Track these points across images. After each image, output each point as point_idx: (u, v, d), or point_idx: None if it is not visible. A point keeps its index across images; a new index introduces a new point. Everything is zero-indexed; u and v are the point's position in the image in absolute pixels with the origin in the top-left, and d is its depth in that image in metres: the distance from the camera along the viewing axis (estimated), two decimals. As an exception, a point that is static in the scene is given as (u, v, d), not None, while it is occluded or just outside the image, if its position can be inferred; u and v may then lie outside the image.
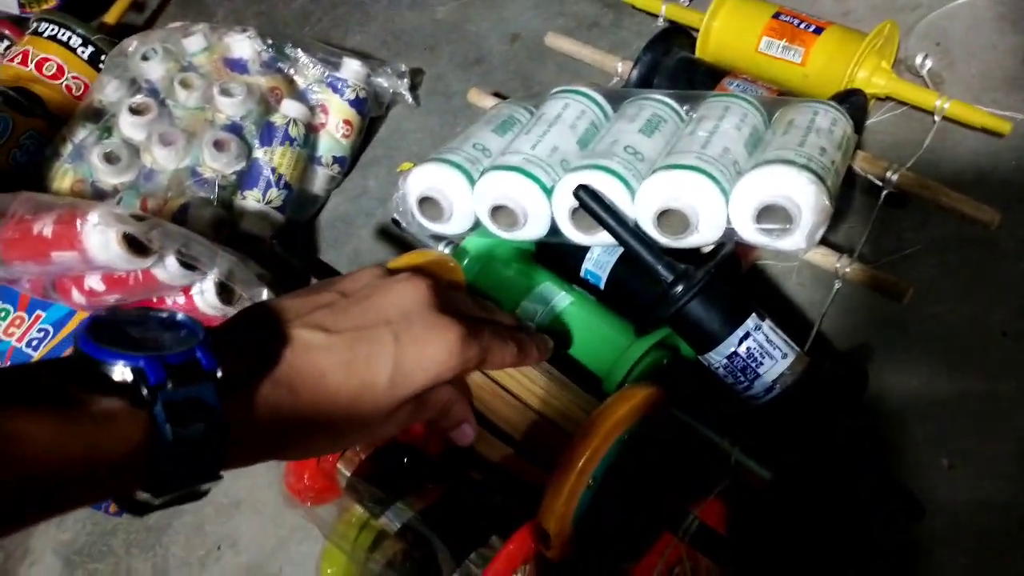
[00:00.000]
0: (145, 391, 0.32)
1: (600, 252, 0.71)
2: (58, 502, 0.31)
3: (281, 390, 0.37)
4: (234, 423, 0.34)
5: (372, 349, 0.40)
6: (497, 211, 0.66)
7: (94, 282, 0.80)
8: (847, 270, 0.68)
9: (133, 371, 0.32)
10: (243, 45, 0.95)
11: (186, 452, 0.33)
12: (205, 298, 0.79)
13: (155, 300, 0.82)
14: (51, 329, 0.89)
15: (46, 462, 0.29)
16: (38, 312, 0.90)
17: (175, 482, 0.34)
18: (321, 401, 0.38)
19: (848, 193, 0.76)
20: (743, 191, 0.59)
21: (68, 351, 0.34)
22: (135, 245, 0.72)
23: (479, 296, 0.59)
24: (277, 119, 0.91)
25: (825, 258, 0.70)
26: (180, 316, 0.36)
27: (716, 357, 0.60)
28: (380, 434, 0.43)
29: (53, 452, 0.29)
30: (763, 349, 0.59)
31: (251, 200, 0.90)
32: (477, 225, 0.70)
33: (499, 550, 0.49)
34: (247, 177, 0.90)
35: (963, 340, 0.67)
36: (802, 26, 0.79)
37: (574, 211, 0.63)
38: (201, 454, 0.33)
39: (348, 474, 0.59)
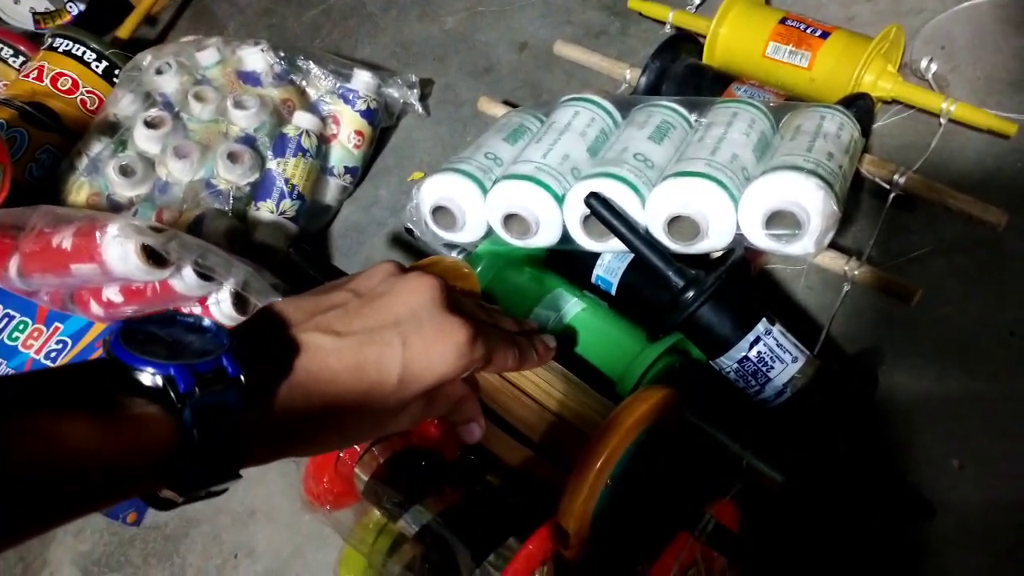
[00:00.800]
0: (175, 397, 0.33)
1: (611, 258, 0.72)
2: (92, 501, 0.32)
3: (296, 392, 0.38)
4: (254, 425, 0.36)
5: (381, 351, 0.41)
6: (510, 219, 0.67)
7: (112, 294, 0.81)
8: (856, 273, 0.69)
9: (164, 378, 0.33)
10: (256, 58, 0.96)
11: (211, 454, 0.34)
12: (221, 308, 0.80)
13: (174, 309, 0.83)
14: (69, 341, 0.90)
15: (85, 462, 0.31)
16: (56, 324, 0.92)
17: (200, 482, 0.35)
18: (332, 402, 0.40)
19: (856, 196, 0.76)
20: (752, 197, 0.59)
21: (97, 354, 0.35)
22: (153, 256, 0.73)
23: (488, 301, 0.60)
24: (290, 131, 0.92)
25: (834, 261, 0.70)
26: (206, 321, 0.38)
27: (727, 362, 0.60)
28: (392, 429, 0.44)
29: (91, 453, 0.31)
30: (773, 353, 0.59)
31: (265, 211, 0.91)
32: (490, 233, 0.71)
33: (517, 551, 0.50)
34: (261, 188, 0.92)
35: (972, 340, 0.67)
36: (808, 31, 0.80)
37: (585, 219, 0.64)
38: (224, 455, 0.35)
39: (366, 478, 0.60)
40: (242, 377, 0.35)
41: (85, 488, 0.31)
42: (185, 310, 0.82)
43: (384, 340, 0.41)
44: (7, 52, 1.20)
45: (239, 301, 0.80)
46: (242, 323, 0.41)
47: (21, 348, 0.91)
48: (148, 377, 0.33)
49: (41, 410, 0.30)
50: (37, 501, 0.30)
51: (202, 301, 0.81)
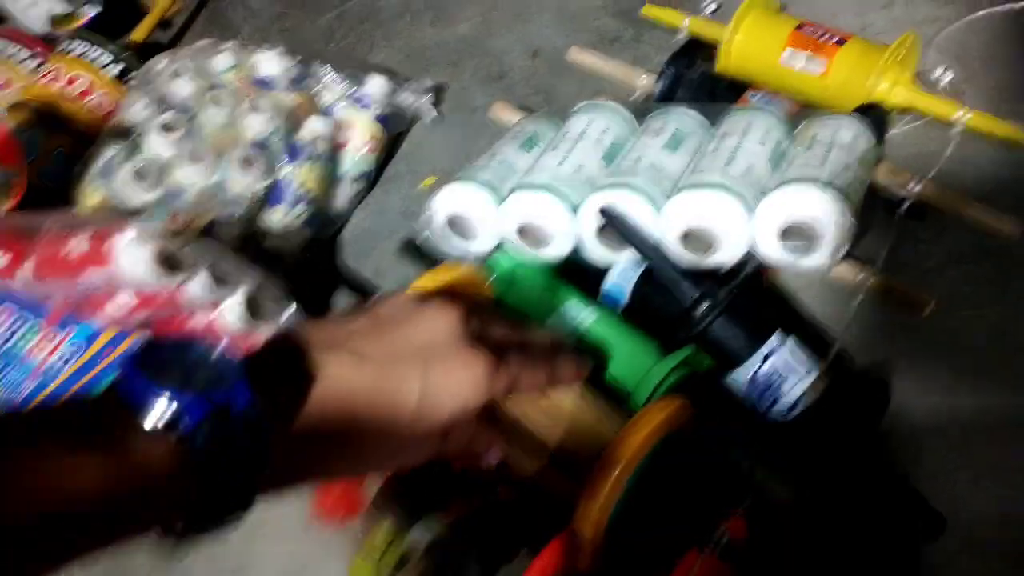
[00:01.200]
0: (185, 429, 0.33)
1: (624, 268, 0.71)
2: (102, 537, 0.32)
3: (314, 416, 0.38)
4: (271, 454, 0.36)
5: (402, 375, 0.41)
6: (525, 229, 0.67)
7: (125, 298, 0.81)
8: (868, 283, 0.69)
9: (175, 410, 0.33)
10: (271, 63, 0.96)
11: (224, 486, 0.34)
12: (233, 313, 0.81)
13: (185, 315, 0.84)
14: (82, 345, 0.91)
15: (93, 498, 0.30)
16: (69, 328, 0.92)
17: (213, 514, 0.35)
18: (350, 426, 0.39)
19: (868, 205, 0.76)
20: (767, 210, 0.59)
21: (113, 377, 0.34)
22: (168, 261, 0.73)
23: (511, 313, 0.59)
24: (303, 136, 0.93)
25: (846, 271, 0.70)
26: (220, 348, 0.37)
27: (740, 374, 0.60)
28: (405, 462, 0.44)
29: (99, 489, 0.30)
30: (787, 366, 0.59)
31: (277, 215, 0.91)
32: (505, 242, 0.71)
33: (529, 564, 0.50)
34: (274, 193, 0.92)
35: (984, 352, 0.67)
36: (824, 37, 0.80)
37: (600, 229, 0.64)
38: (239, 487, 0.35)
39: (376, 490, 0.60)
40: (255, 407, 0.35)
41: (93, 525, 0.31)
42: (196, 315, 0.83)
43: (404, 366, 0.41)
44: (22, 54, 1.20)
45: (252, 306, 0.81)
46: (261, 346, 0.40)
47: (32, 352, 0.91)
48: (159, 408, 0.33)
49: (45, 445, 0.30)
50: (41, 541, 0.29)
51: (214, 306, 0.81)
